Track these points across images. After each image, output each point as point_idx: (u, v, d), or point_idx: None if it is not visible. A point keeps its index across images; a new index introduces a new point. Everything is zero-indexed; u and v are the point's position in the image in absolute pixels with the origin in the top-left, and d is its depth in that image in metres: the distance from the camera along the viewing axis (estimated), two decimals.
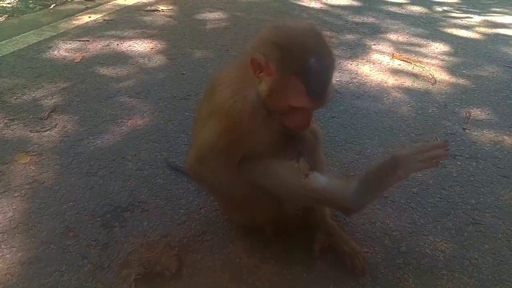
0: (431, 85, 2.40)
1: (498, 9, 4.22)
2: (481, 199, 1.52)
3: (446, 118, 2.05)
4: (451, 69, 2.62)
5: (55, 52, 2.67)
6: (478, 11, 4.10)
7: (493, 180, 1.62)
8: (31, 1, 3.87)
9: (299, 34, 0.98)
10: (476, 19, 3.81)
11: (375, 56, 2.79)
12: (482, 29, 3.48)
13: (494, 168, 1.69)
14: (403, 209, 1.46)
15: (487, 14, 3.99)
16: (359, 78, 2.46)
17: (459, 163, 1.71)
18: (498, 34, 3.36)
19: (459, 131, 1.94)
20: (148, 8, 3.68)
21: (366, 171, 1.06)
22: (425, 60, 2.76)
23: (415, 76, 2.52)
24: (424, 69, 2.61)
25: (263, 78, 0.99)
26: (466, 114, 2.09)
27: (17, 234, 1.31)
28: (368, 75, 2.51)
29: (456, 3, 4.47)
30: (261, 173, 1.09)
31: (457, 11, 4.03)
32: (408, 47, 2.99)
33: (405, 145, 1.81)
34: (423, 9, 4.03)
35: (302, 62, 0.95)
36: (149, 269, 1.18)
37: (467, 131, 1.94)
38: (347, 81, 2.40)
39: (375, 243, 1.31)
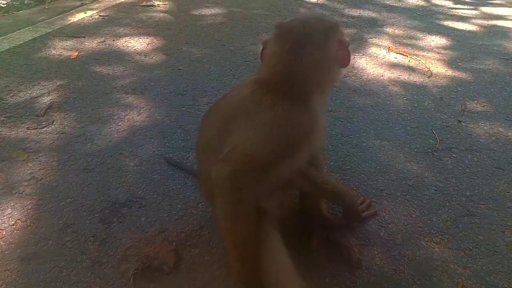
0: (427, 78, 2.40)
1: (495, 1, 4.21)
2: (476, 191, 1.53)
3: (442, 111, 2.06)
4: (447, 62, 2.63)
5: (51, 49, 2.67)
6: (474, 2, 4.09)
7: (488, 172, 1.63)
8: None
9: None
10: (473, 11, 3.81)
11: (372, 50, 2.79)
12: (479, 21, 3.47)
13: (489, 160, 1.70)
14: (399, 202, 1.47)
15: (483, 6, 3.98)
16: (355, 71, 2.46)
17: (454, 155, 1.73)
18: (494, 26, 3.36)
19: (454, 124, 1.95)
20: (144, 3, 3.67)
21: None
22: (422, 53, 2.76)
23: (411, 69, 2.52)
24: (420, 62, 2.61)
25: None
26: (461, 106, 2.09)
27: (15, 231, 1.32)
28: (364, 68, 2.51)
29: None
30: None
31: (453, 4, 4.02)
32: (404, 40, 2.99)
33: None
34: (419, 1, 4.02)
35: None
36: (147, 264, 1.19)
37: (462, 123, 1.95)
38: (344, 75, 2.40)
39: (371, 235, 1.33)
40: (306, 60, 1.00)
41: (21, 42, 2.75)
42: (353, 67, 2.52)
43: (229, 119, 1.05)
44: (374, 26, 3.26)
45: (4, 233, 1.31)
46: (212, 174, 1.01)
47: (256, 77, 1.08)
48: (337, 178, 1.57)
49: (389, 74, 2.44)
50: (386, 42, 2.92)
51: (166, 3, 3.72)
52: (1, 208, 1.41)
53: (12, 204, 1.43)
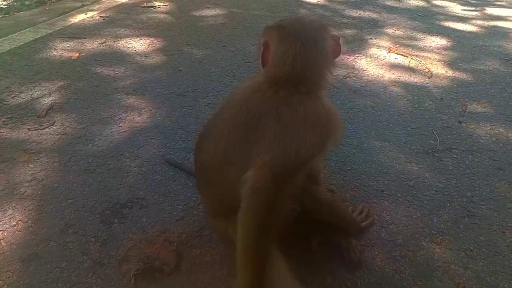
0: (427, 79, 2.41)
1: (495, 2, 4.22)
2: (477, 192, 1.53)
3: (442, 111, 2.06)
4: (447, 63, 2.63)
5: (52, 50, 2.67)
6: (475, 3, 4.10)
7: (489, 172, 1.63)
8: None
9: None
10: (473, 12, 3.81)
11: (372, 50, 2.79)
12: (479, 22, 3.48)
13: (489, 161, 1.70)
14: (399, 202, 1.47)
15: (484, 7, 3.98)
16: (356, 72, 2.46)
17: (455, 156, 1.73)
18: (495, 27, 3.36)
19: (455, 124, 1.95)
20: (145, 4, 3.67)
21: None
22: (422, 53, 2.76)
23: (411, 70, 2.52)
24: (420, 62, 2.61)
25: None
26: (462, 107, 2.10)
27: (16, 232, 1.32)
28: (364, 69, 2.51)
29: None
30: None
31: (454, 4, 4.02)
32: (405, 40, 2.99)
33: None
34: (420, 2, 4.02)
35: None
36: (148, 265, 1.19)
37: (463, 124, 1.95)
38: (344, 76, 2.41)
39: (372, 236, 1.33)
40: (319, 55, 1.05)
41: (22, 43, 2.76)
42: (353, 68, 2.52)
43: (251, 125, 1.01)
44: (374, 27, 3.26)
45: (5, 234, 1.31)
46: (248, 183, 0.93)
47: (266, 77, 1.07)
48: (338, 178, 1.58)
49: (389, 75, 2.44)
50: (386, 43, 2.93)
51: (167, 4, 3.73)
52: (2, 209, 1.41)
53: (13, 205, 1.43)
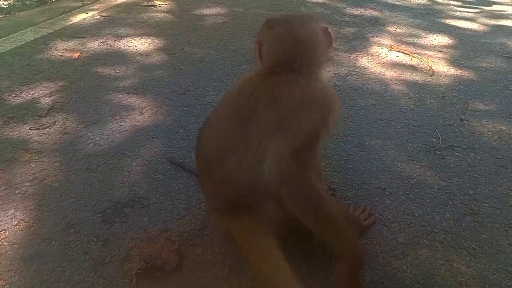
0: (429, 77, 2.40)
1: (497, 0, 4.20)
2: (479, 190, 1.52)
3: (444, 109, 2.06)
4: (449, 60, 2.62)
5: (53, 50, 2.67)
6: (477, 1, 4.08)
7: (491, 170, 1.63)
8: None
9: None
10: (475, 9, 3.80)
11: (373, 48, 2.78)
12: (481, 20, 3.46)
13: (492, 159, 1.69)
14: (402, 201, 1.47)
15: (486, 5, 3.97)
16: (357, 70, 2.46)
17: (457, 154, 1.72)
18: (497, 25, 3.35)
19: (457, 122, 1.94)
20: (145, 3, 3.67)
21: None
22: (423, 51, 2.75)
23: (413, 68, 2.51)
24: (422, 60, 2.60)
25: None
26: (464, 105, 2.09)
27: (18, 231, 1.32)
28: (366, 67, 2.50)
29: None
30: None
31: (455, 2, 4.01)
32: (406, 38, 2.98)
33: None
34: (421, 0, 4.01)
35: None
36: (150, 264, 1.19)
37: (465, 122, 1.95)
38: (345, 74, 2.40)
39: (374, 234, 1.32)
40: (310, 35, 1.08)
41: (22, 43, 2.76)
42: (354, 66, 2.52)
43: (249, 108, 1.03)
44: (375, 25, 3.25)
45: (7, 233, 1.31)
46: (272, 171, 0.98)
47: (263, 66, 1.10)
48: (340, 177, 1.57)
49: (391, 73, 2.44)
50: (387, 41, 2.92)
51: (167, 3, 3.73)
52: (4, 209, 1.41)
53: (15, 204, 1.43)
